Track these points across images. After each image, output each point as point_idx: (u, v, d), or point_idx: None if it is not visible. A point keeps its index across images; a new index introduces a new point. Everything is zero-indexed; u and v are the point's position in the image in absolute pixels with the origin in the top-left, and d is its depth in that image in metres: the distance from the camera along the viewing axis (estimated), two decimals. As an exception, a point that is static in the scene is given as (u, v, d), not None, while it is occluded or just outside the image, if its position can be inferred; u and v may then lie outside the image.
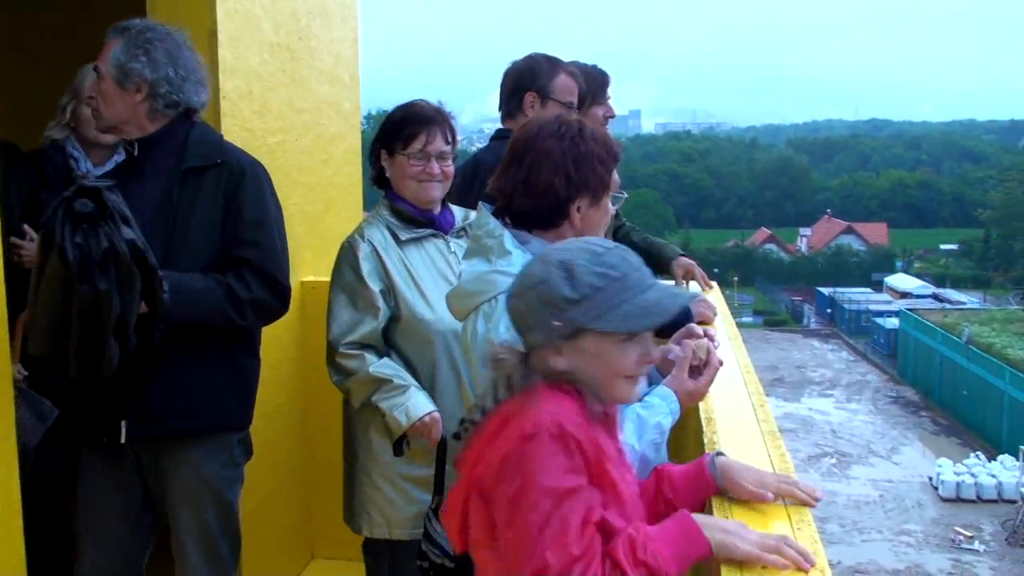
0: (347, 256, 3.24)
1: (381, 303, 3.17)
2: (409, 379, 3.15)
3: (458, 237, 3.32)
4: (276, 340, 3.97)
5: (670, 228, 78.62)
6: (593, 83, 3.88)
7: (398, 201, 3.28)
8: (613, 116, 4.03)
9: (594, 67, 4.02)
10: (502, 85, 3.79)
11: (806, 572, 1.63)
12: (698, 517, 1.73)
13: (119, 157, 3.52)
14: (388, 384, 3.12)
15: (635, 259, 1.86)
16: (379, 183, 3.34)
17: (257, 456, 3.18)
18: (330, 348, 3.21)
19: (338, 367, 3.19)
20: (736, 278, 69.40)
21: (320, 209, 4.64)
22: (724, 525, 1.72)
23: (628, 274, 1.81)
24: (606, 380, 1.81)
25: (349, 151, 5.05)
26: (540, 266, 1.84)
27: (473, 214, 3.32)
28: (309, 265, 4.41)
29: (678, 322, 3.00)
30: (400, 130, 3.24)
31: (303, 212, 4.37)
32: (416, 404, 3.08)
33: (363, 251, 3.20)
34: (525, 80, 3.70)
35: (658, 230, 62.83)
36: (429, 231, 3.28)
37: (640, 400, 2.22)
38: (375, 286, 3.17)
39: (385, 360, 3.17)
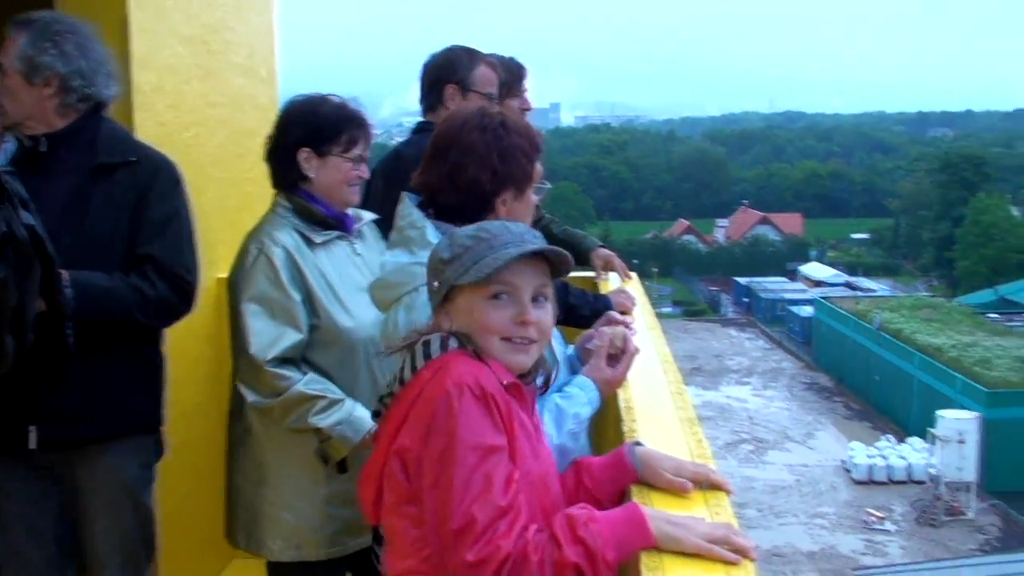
0: (260, 264, 2.98)
1: (302, 313, 2.97)
2: (338, 391, 2.99)
3: (357, 238, 3.17)
4: (193, 337, 3.91)
5: (590, 220, 79.20)
6: (509, 75, 3.89)
7: (314, 202, 3.07)
8: (530, 109, 4.03)
9: (511, 59, 4.02)
10: (422, 78, 3.77)
11: (754, 561, 1.65)
12: (647, 509, 1.73)
13: (8, 146, 3.40)
14: (322, 401, 2.94)
15: (518, 228, 1.93)
16: (291, 184, 3.08)
17: (176, 455, 3.13)
18: (252, 365, 2.95)
19: (264, 385, 2.95)
20: (655, 269, 70.24)
21: (235, 204, 4.57)
22: (672, 518, 1.71)
23: (498, 235, 1.89)
24: (482, 338, 1.87)
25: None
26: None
27: (365, 214, 3.23)
28: (225, 261, 4.33)
29: (597, 312, 3.05)
30: (339, 132, 3.04)
31: (218, 208, 4.31)
32: (361, 417, 2.93)
33: (279, 258, 2.97)
34: (445, 72, 3.69)
35: (578, 222, 63.21)
36: (336, 233, 3.10)
37: (559, 389, 2.24)
38: (297, 295, 2.96)
39: (311, 375, 2.98)
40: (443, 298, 1.91)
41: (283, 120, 3.11)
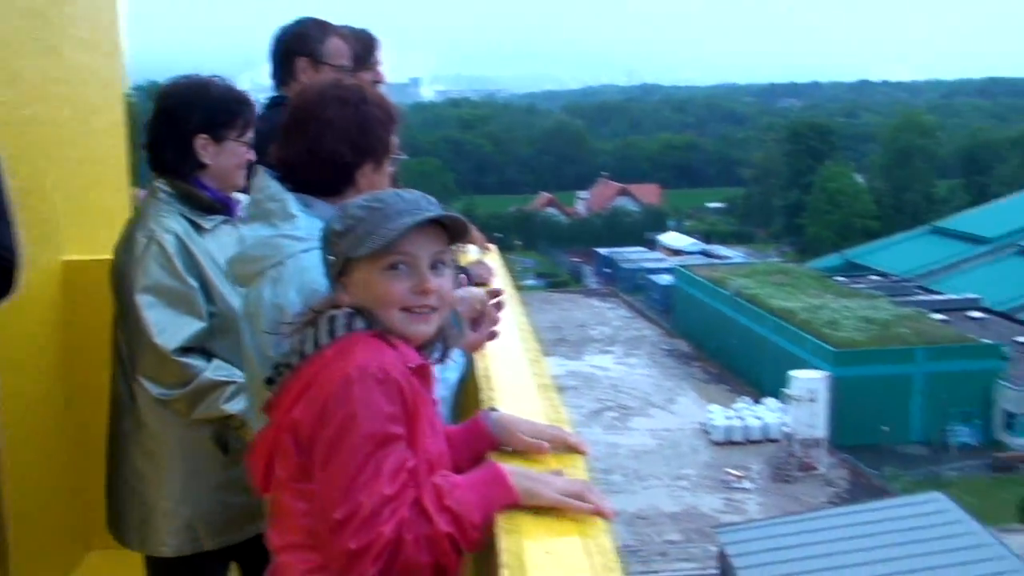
0: (152, 252, 2.89)
1: (201, 301, 2.90)
2: (243, 375, 2.84)
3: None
4: (37, 323, 3.78)
5: (452, 195, 79.15)
6: (361, 47, 3.86)
7: (201, 187, 2.98)
8: (381, 81, 4.00)
9: (362, 31, 3.98)
10: (273, 51, 3.71)
11: (607, 519, 1.71)
12: (506, 466, 1.77)
13: None
14: (231, 386, 2.88)
15: (411, 195, 1.89)
16: (183, 171, 2.97)
17: (21, 447, 3.02)
18: (156, 356, 2.87)
19: (170, 376, 2.88)
20: (519, 242, 70.88)
21: (82, 184, 4.42)
22: (530, 474, 1.76)
23: (392, 204, 1.85)
24: (381, 311, 1.83)
25: (112, 123, 4.82)
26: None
27: (243, 197, 3.20)
28: (73, 243, 4.20)
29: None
30: (235, 116, 2.96)
31: (63, 188, 4.15)
32: None
33: (172, 246, 2.88)
34: (296, 45, 3.64)
35: (441, 197, 62.23)
36: (222, 218, 3.02)
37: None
38: (194, 283, 2.89)
39: (216, 362, 2.91)
40: (339, 272, 1.87)
41: (173, 106, 2.98)
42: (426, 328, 1.87)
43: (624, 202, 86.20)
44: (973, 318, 46.72)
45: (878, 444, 36.55)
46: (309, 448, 1.75)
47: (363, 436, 1.69)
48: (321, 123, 2.24)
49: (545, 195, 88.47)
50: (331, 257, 1.87)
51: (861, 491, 32.48)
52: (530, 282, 64.30)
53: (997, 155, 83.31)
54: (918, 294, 51.46)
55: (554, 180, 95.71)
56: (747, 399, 39.59)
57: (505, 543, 1.63)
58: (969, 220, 62.70)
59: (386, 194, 1.89)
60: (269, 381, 1.89)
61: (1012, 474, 35.37)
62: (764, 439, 36.23)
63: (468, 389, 2.52)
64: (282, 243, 2.20)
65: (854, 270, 58.41)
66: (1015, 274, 52.18)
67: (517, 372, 2.52)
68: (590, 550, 1.62)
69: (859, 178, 77.14)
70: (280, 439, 1.80)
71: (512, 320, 3.06)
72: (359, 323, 1.82)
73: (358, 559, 1.66)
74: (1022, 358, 40.82)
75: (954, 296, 50.35)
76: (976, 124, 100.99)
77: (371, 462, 1.68)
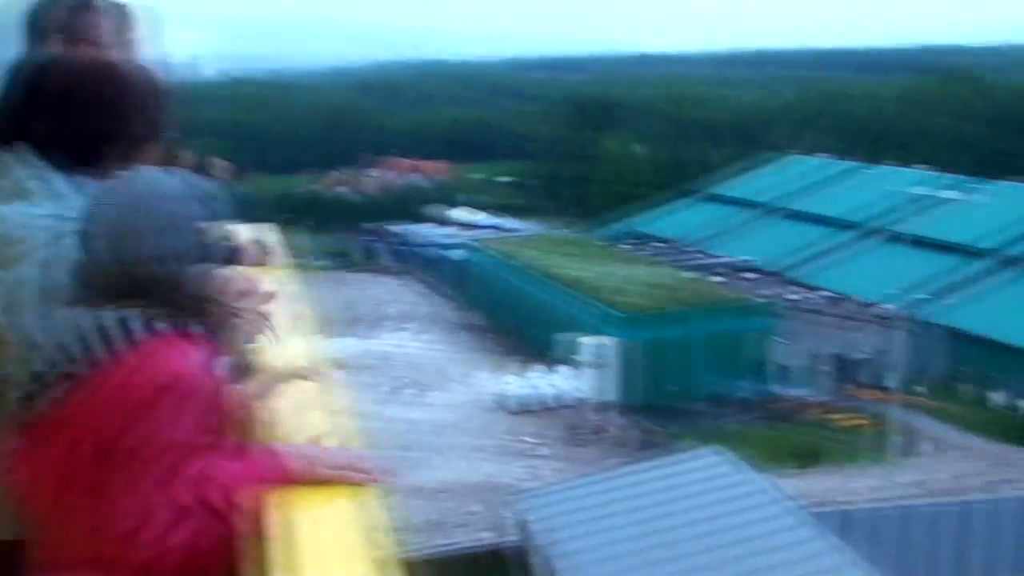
0: None
1: None
2: None
3: None
4: None
5: (238, 176, 76.70)
6: (117, 22, 3.71)
7: None
8: (137, 58, 3.85)
9: (117, 4, 3.83)
10: (25, 27, 3.53)
11: (384, 484, 1.75)
12: (278, 445, 1.78)
13: None
14: None
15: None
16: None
17: None
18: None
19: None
20: (310, 222, 69.67)
21: None
22: (304, 451, 1.78)
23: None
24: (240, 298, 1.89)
25: None
26: (142, 198, 1.82)
27: None
28: None
29: (228, 260, 3.04)
30: None
31: None
32: None
33: None
34: (47, 19, 3.47)
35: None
36: None
37: None
38: None
39: None
40: None
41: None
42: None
43: (415, 179, 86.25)
44: (747, 279, 49.55)
45: (666, 404, 38.26)
46: (106, 460, 1.68)
47: (168, 445, 1.65)
48: (90, 100, 2.18)
49: (335, 174, 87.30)
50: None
51: (651, 449, 33.94)
52: (322, 262, 63.39)
53: (766, 124, 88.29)
54: (697, 258, 54.07)
55: (344, 159, 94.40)
56: (541, 368, 40.56)
57: (274, 515, 1.65)
58: (741, 186, 66.25)
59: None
60: (28, 397, 1.75)
61: (786, 423, 37.89)
62: (558, 406, 37.27)
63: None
64: (50, 223, 2.12)
65: (638, 238, 60.71)
66: (784, 236, 55.62)
67: (290, 352, 2.53)
68: (360, 516, 1.66)
69: (640, 149, 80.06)
70: (76, 451, 1.71)
71: (286, 298, 3.06)
72: (160, 323, 1.74)
73: (151, 571, 1.64)
74: (791, 315, 43.67)
75: (729, 259, 53.20)
76: (746, 95, 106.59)
77: (170, 472, 1.65)
